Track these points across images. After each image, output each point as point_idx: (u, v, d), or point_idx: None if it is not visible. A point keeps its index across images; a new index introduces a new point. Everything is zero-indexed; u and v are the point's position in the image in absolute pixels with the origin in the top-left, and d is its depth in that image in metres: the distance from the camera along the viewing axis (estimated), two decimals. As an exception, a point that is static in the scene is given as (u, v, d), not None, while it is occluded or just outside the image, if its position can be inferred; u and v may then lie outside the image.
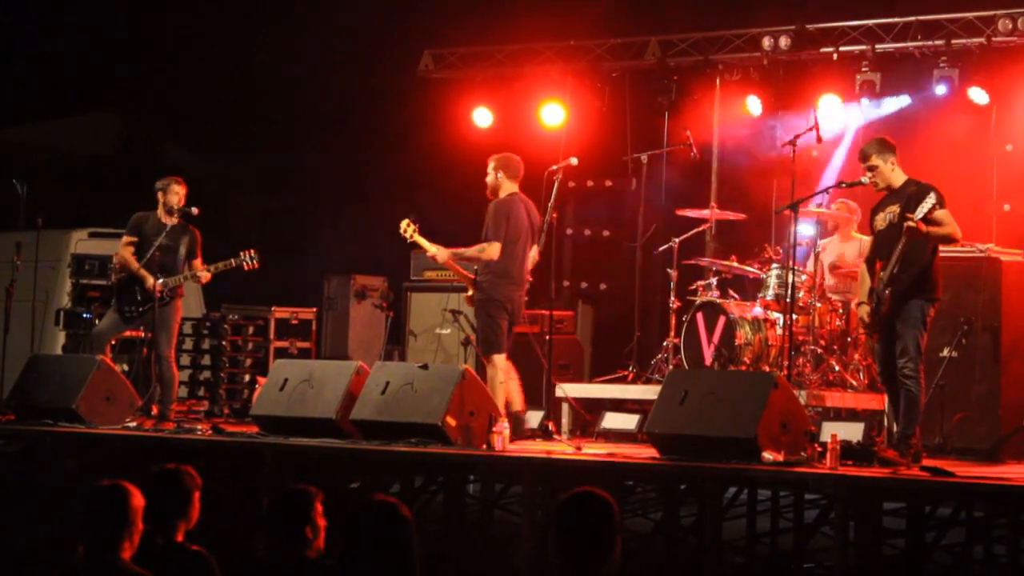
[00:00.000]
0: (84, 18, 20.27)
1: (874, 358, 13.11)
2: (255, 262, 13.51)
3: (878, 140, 11.16)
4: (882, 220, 11.00)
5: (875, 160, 10.96)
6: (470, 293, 12.76)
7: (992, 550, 10.07)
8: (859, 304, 11.21)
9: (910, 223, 10.50)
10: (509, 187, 12.71)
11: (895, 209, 10.83)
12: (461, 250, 12.77)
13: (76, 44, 20.42)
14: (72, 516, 6.18)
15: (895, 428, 11.01)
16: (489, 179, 12.76)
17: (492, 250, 12.51)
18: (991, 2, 14.57)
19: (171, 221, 13.41)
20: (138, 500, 6.17)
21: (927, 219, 10.55)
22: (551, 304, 13.05)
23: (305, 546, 6.41)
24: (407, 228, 12.87)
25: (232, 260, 13.50)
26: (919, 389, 10.74)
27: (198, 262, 13.51)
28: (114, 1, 20.10)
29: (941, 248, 11.20)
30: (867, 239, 13.37)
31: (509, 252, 12.56)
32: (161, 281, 13.22)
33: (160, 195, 13.49)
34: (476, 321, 12.78)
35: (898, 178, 10.99)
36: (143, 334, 14.02)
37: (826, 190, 12.58)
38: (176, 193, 13.45)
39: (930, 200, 10.54)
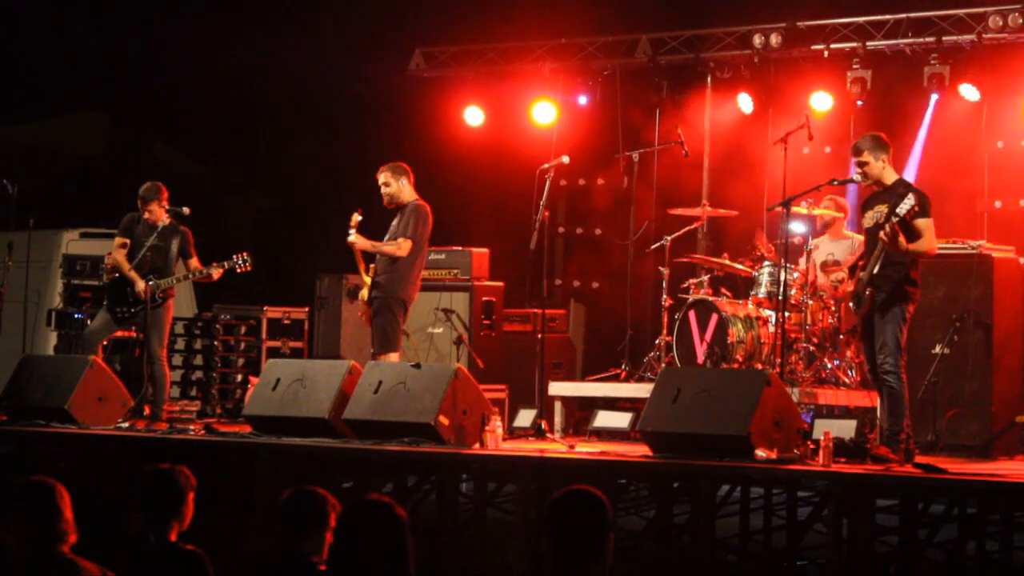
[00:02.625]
0: (72, 18, 20.24)
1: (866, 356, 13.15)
2: (248, 265, 13.49)
3: (873, 136, 11.14)
4: (870, 218, 11.00)
5: (867, 156, 10.95)
6: (365, 294, 12.85)
7: (985, 547, 10.07)
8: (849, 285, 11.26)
9: (883, 236, 10.51)
10: (411, 193, 12.92)
11: (883, 209, 10.83)
12: (379, 244, 12.91)
13: (64, 44, 20.39)
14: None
15: (887, 426, 11.01)
16: (392, 188, 12.98)
17: (405, 247, 12.84)
18: (981, -1, 14.60)
19: (162, 222, 13.39)
20: (64, 496, 6.13)
21: (904, 220, 10.53)
22: (543, 303, 13.05)
23: (307, 547, 6.38)
24: (354, 219, 12.97)
25: (225, 263, 13.48)
26: (900, 384, 10.74)
27: (193, 261, 13.50)
28: (103, 2, 20.07)
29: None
30: (859, 237, 13.41)
31: (417, 255, 12.86)
32: (152, 283, 13.21)
33: (140, 203, 13.46)
34: (376, 318, 12.84)
35: (889, 176, 10.99)
36: (135, 334, 14.00)
37: (818, 187, 12.57)
38: (154, 212, 13.40)
39: (908, 201, 10.52)
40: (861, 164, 10.98)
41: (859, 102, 15.29)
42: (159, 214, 13.38)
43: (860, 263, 11.05)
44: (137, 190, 13.57)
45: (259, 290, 16.48)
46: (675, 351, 13.75)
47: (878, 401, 11.38)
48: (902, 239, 10.55)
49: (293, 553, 6.30)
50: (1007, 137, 15.14)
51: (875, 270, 10.76)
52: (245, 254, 13.51)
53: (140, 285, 13.20)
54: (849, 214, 13.85)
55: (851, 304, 11.12)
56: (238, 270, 13.52)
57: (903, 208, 10.49)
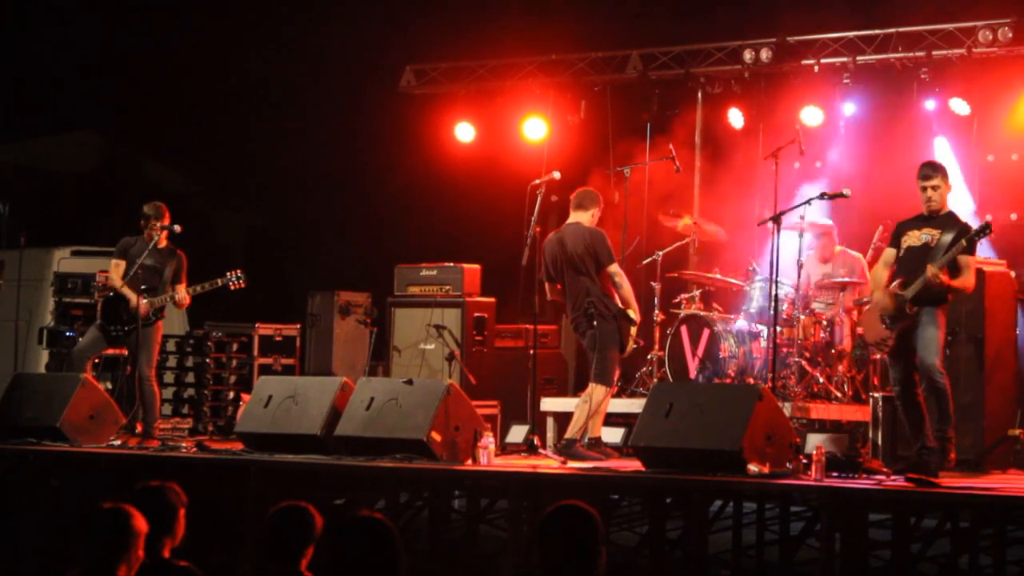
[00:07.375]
0: (64, 37, 20.25)
1: (859, 369, 13.16)
2: (241, 282, 13.45)
3: (942, 165, 11.35)
4: (916, 238, 11.07)
5: (939, 180, 11.09)
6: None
7: (978, 560, 10.08)
8: (869, 307, 11.29)
9: (931, 277, 10.67)
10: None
11: (935, 233, 10.95)
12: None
13: (57, 63, 20.40)
14: (69, 537, 6.15)
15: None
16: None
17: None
18: (971, 13, 14.61)
19: (154, 241, 13.35)
20: (140, 524, 6.15)
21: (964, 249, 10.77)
22: (535, 318, 13.03)
23: (297, 561, 6.37)
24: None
25: (218, 280, 13.44)
26: (946, 384, 10.88)
27: (182, 286, 13.40)
28: (94, 20, 20.08)
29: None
30: (854, 252, 13.48)
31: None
32: (146, 301, 13.14)
33: (144, 221, 13.36)
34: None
35: (947, 204, 11.16)
36: (126, 352, 13.97)
37: (808, 202, 12.59)
38: (156, 230, 13.31)
39: (960, 244, 10.80)
40: (935, 187, 11.08)
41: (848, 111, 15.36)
42: (162, 234, 13.29)
43: (900, 279, 11.04)
44: (129, 208, 13.54)
45: (251, 307, 16.47)
46: (667, 366, 13.75)
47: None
48: (944, 277, 10.68)
49: (286, 568, 6.30)
50: (997, 151, 15.15)
51: (921, 290, 10.84)
52: (239, 271, 13.48)
53: (134, 300, 13.09)
54: (836, 234, 13.88)
55: (887, 319, 11.08)
56: (232, 287, 13.49)
57: (951, 254, 10.76)
